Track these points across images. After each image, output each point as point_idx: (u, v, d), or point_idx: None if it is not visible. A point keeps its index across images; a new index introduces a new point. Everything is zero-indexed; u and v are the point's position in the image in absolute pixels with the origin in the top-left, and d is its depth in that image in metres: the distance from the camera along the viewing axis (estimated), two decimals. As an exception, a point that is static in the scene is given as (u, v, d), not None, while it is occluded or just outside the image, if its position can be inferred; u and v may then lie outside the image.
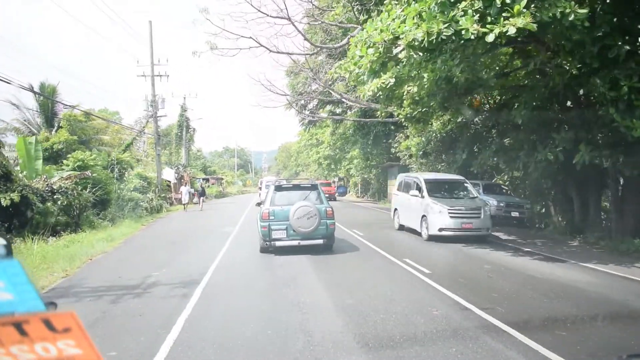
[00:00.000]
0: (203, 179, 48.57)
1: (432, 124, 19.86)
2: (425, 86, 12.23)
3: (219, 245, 12.31)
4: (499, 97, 16.86)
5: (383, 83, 10.86)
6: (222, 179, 58.79)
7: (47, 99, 29.18)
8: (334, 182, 60.03)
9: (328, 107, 34.26)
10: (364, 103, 25.00)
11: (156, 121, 33.52)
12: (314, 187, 11.33)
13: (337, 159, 49.64)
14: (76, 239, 13.23)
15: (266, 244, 10.47)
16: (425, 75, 11.14)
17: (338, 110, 32.81)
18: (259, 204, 12.81)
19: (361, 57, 10.43)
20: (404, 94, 13.37)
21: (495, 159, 15.27)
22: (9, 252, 1.12)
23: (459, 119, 20.13)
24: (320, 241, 10.47)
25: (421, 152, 20.75)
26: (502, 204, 16.65)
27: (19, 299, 0.70)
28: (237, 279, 8.70)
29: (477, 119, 19.58)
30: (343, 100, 25.40)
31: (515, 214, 16.68)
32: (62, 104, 30.32)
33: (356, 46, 10.64)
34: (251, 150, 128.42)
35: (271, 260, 10.14)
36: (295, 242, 10.36)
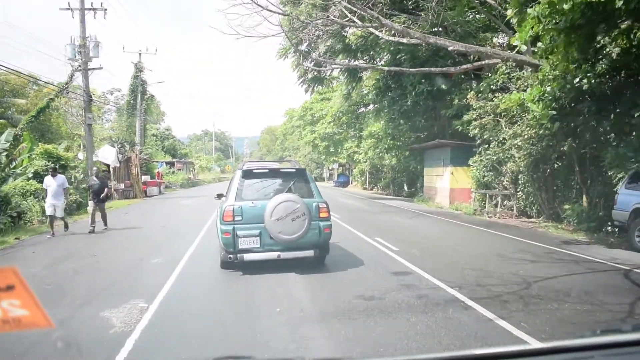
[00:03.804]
0: (166, 163, 37.61)
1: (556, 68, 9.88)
2: None
3: None
4: None
5: None
6: (192, 163, 47.60)
7: None
8: (330, 169, 49.67)
9: (339, 61, 23.76)
10: (417, 36, 14.73)
11: (86, 74, 22.72)
12: (300, 174, 7.88)
13: (339, 140, 39.29)
14: None
15: (229, 258, 7.08)
16: None
17: (357, 63, 22.28)
18: (219, 196, 8.07)
19: None
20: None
21: None
22: None
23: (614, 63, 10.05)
24: (310, 252, 7.23)
25: (554, 113, 10.62)
26: None
27: None
28: None
29: None
30: (375, 30, 15.11)
31: None
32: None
33: None
34: (232, 136, 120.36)
35: None
36: (273, 255, 7.11)
